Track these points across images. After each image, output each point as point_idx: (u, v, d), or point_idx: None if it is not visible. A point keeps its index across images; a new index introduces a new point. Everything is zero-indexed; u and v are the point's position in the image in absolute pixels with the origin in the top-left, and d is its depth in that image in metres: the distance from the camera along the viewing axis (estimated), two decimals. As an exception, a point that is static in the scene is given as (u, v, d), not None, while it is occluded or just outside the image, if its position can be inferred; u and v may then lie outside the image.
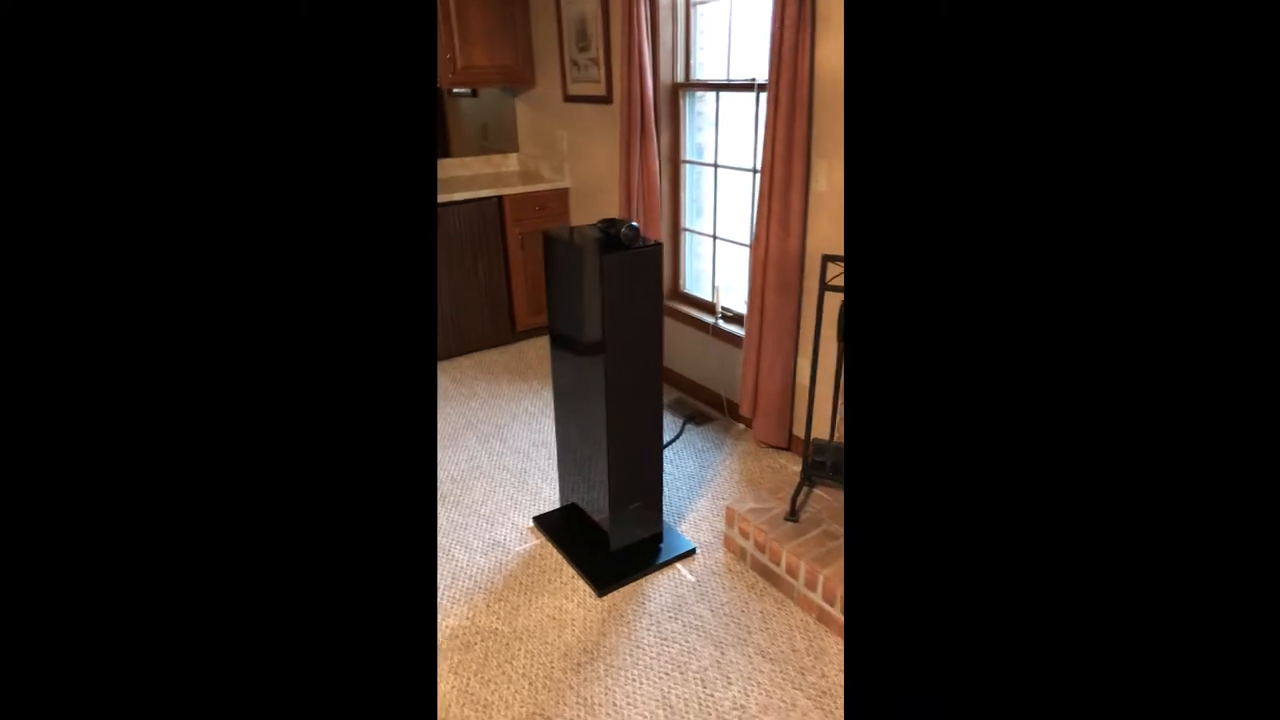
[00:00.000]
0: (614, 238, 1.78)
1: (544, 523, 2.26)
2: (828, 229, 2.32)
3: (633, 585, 2.02)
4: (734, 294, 2.94)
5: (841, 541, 1.97)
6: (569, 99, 3.43)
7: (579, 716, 1.61)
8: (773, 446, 2.70)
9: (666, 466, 2.61)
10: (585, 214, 3.59)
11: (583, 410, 1.99)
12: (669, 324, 3.19)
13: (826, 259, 1.93)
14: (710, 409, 3.03)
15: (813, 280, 2.41)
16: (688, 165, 3.02)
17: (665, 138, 2.96)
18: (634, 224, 1.73)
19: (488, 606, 1.94)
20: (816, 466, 2.11)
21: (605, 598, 1.97)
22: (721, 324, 2.90)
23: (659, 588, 2.01)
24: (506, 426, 2.91)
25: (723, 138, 2.84)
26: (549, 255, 1.94)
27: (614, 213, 3.36)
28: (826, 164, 2.26)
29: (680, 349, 3.18)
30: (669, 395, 3.18)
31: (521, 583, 2.03)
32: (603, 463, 1.97)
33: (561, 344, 2.00)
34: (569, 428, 2.11)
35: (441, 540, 2.21)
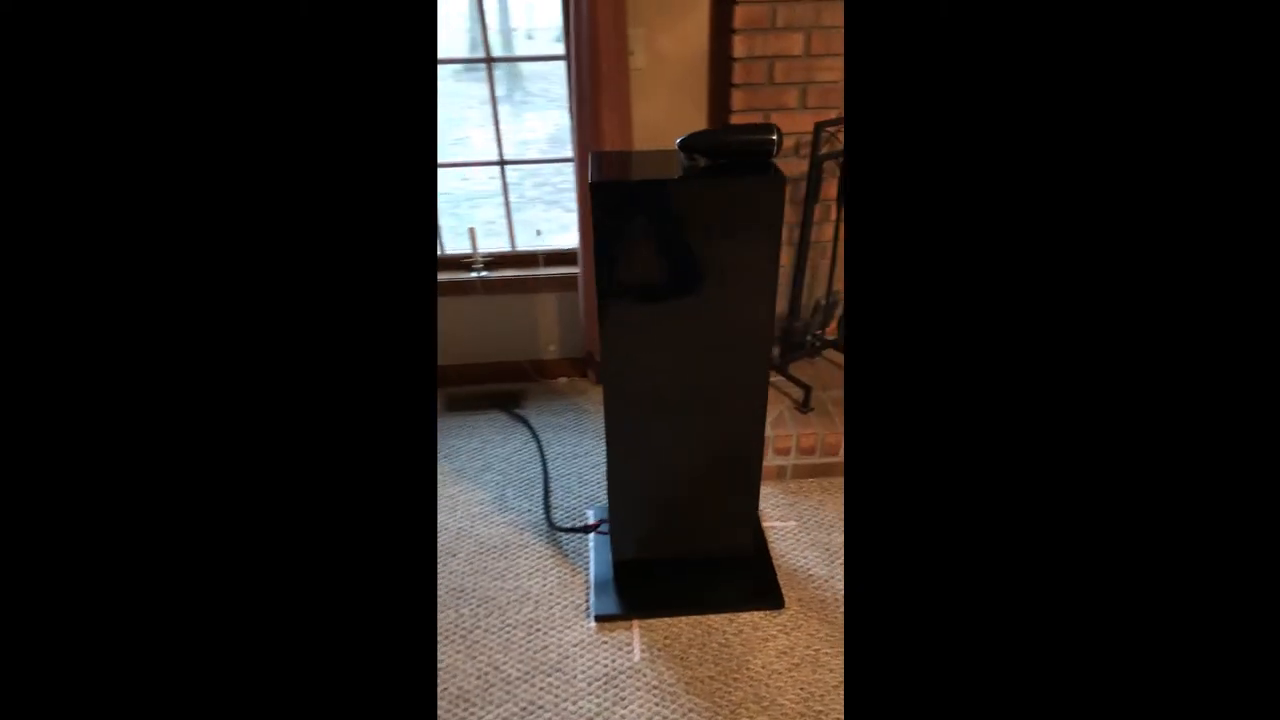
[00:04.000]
0: (728, 155, 1.20)
1: (612, 616, 1.55)
2: (652, 112, 1.99)
3: (783, 575, 1.66)
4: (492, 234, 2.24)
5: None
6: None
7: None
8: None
9: (566, 464, 2.03)
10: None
11: (703, 407, 1.39)
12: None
13: (821, 125, 1.73)
14: (513, 384, 2.36)
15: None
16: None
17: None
18: (772, 125, 1.19)
19: (742, 732, 1.32)
20: (798, 345, 2.04)
21: (789, 607, 1.58)
22: (486, 274, 2.21)
23: (788, 553, 1.71)
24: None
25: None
26: (610, 216, 1.16)
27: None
28: (645, 33, 1.89)
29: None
30: (451, 396, 2.31)
31: (709, 677, 1.43)
32: (717, 466, 1.47)
33: (648, 343, 1.29)
34: (650, 457, 1.44)
35: (553, 748, 1.30)
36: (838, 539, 1.76)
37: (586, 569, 1.68)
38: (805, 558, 1.71)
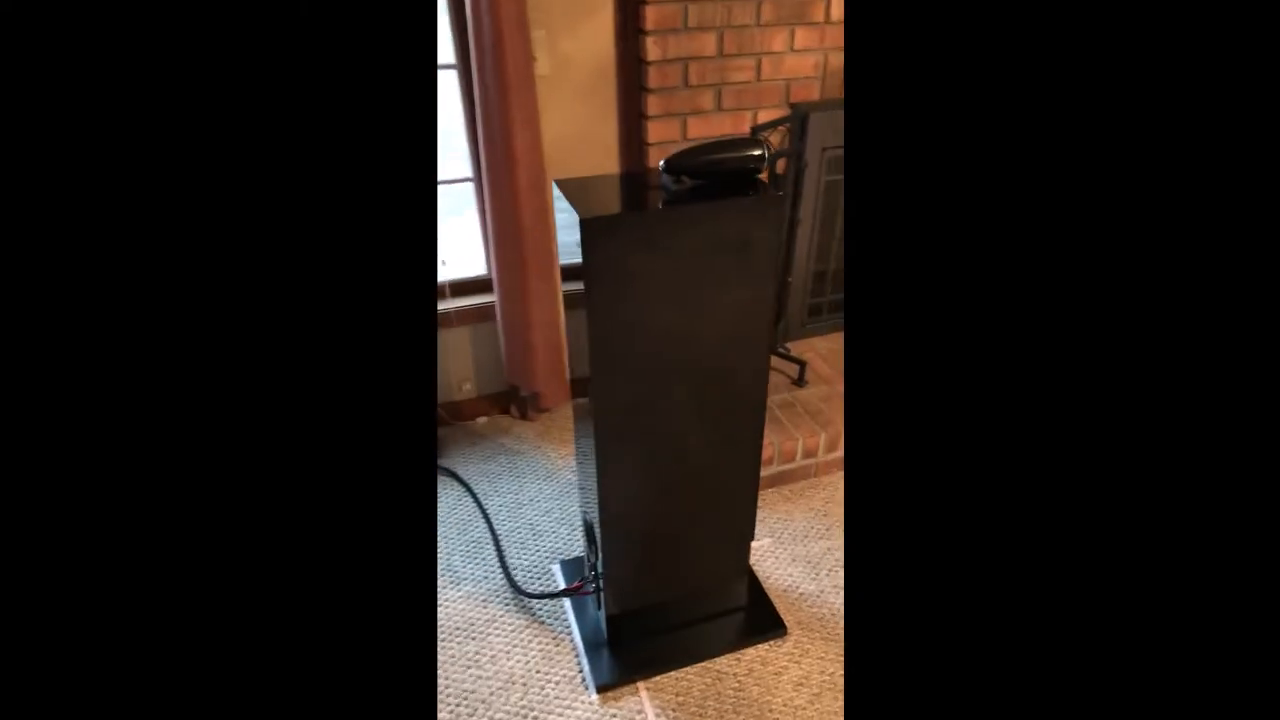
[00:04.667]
0: (717, 175, 1.09)
1: (614, 683, 1.41)
2: (560, 123, 1.82)
3: (774, 597, 1.59)
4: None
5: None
6: None
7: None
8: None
9: (511, 516, 1.84)
10: None
11: (699, 436, 1.28)
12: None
13: (756, 129, 1.63)
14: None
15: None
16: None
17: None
18: (759, 139, 1.09)
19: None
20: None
21: (790, 632, 1.51)
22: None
23: (771, 573, 1.65)
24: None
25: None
26: (605, 251, 1.01)
27: None
28: (546, 36, 1.71)
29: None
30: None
31: (735, 730, 1.33)
32: (712, 496, 1.37)
33: (642, 377, 1.16)
34: (644, 496, 1.31)
35: None
36: (815, 549, 1.73)
37: (570, 634, 1.52)
38: (790, 575, 1.66)
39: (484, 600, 1.60)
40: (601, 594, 1.44)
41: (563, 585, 1.63)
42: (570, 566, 1.67)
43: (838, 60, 1.88)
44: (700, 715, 1.37)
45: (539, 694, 1.40)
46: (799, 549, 1.73)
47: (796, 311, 2.18)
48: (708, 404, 1.24)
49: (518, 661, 1.47)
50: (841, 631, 1.53)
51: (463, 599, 1.61)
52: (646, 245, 1.04)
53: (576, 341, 1.21)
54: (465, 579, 1.66)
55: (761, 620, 1.54)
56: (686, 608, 1.51)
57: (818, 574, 1.66)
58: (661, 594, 1.45)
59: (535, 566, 1.69)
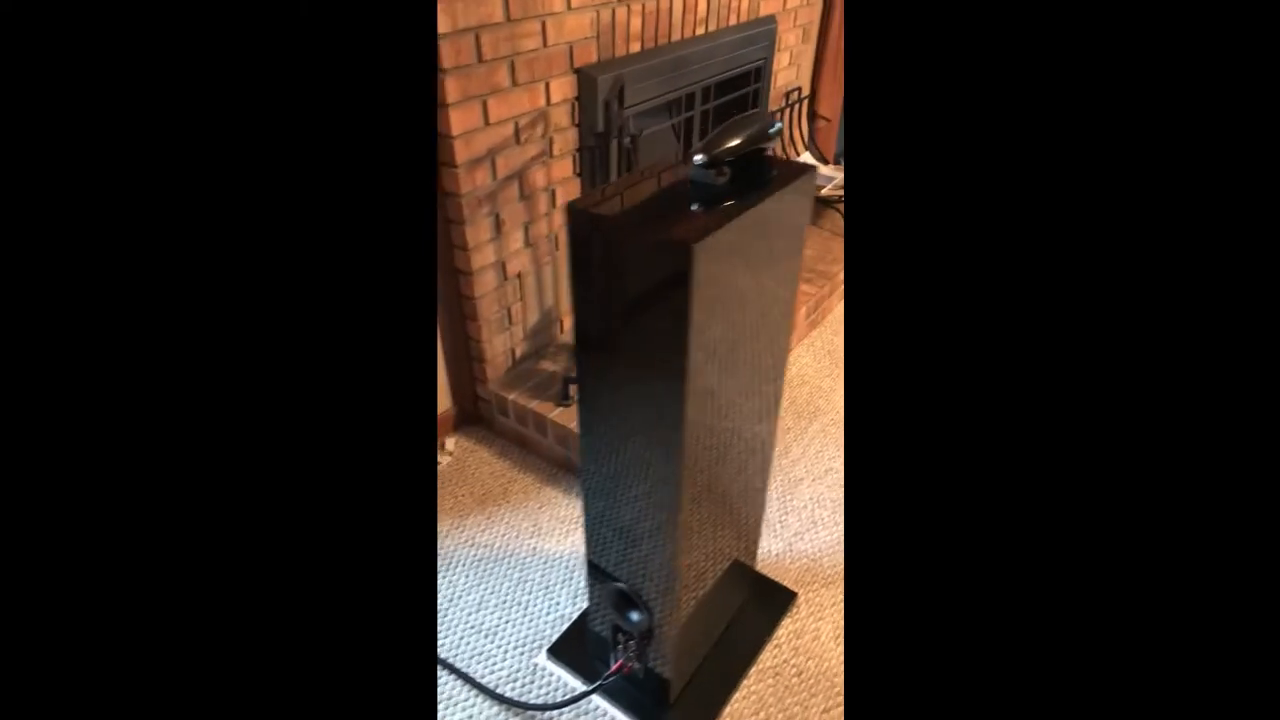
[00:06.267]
0: (746, 158, 0.94)
1: (687, 739, 1.24)
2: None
3: (759, 571, 1.54)
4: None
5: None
6: None
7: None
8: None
9: (441, 621, 1.46)
10: None
11: (739, 445, 1.15)
12: None
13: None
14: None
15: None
16: None
17: None
18: (765, 110, 0.94)
19: None
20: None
21: (798, 595, 1.50)
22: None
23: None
24: None
25: None
26: (705, 272, 0.80)
27: None
28: None
29: None
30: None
31: (824, 710, 1.30)
32: (736, 499, 1.27)
33: (716, 398, 0.98)
34: (700, 523, 1.12)
35: None
36: (754, 508, 1.74)
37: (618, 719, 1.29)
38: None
39: (490, 745, 1.26)
40: (649, 660, 1.24)
41: (570, 677, 1.36)
42: (565, 651, 1.40)
43: (607, 15, 1.76)
44: (787, 715, 1.31)
45: (635, 805, 1.18)
46: (742, 515, 1.73)
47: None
48: (748, 380, 1.12)
49: (585, 787, 1.20)
50: (833, 573, 1.59)
51: (464, 760, 1.23)
52: (735, 255, 0.86)
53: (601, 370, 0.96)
54: (447, 735, 1.27)
55: (769, 598, 1.51)
56: (710, 629, 1.40)
57: (774, 530, 1.69)
58: (703, 625, 1.32)
59: (519, 672, 1.37)
